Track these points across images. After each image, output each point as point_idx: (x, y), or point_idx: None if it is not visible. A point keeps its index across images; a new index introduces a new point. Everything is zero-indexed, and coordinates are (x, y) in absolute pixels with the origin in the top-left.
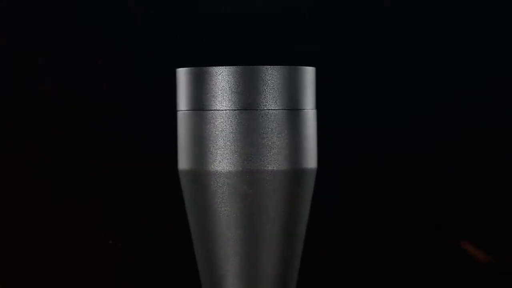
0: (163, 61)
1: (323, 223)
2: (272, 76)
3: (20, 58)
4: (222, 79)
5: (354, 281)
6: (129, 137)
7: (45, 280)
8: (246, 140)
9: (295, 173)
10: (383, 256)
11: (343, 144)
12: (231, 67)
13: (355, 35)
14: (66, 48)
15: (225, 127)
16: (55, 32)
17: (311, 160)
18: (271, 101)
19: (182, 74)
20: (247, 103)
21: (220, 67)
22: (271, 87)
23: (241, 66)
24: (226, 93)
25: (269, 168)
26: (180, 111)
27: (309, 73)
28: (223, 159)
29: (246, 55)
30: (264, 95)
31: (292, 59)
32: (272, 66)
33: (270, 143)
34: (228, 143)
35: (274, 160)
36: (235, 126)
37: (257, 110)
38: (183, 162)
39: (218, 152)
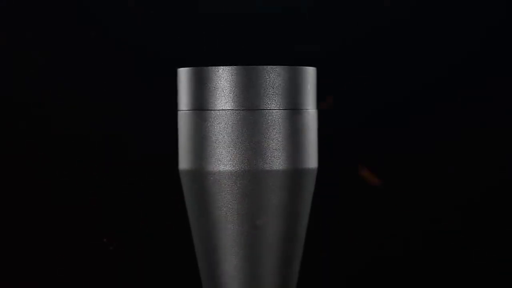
0: (163, 61)
1: (323, 223)
2: (273, 76)
3: (20, 58)
4: (223, 79)
5: (354, 281)
6: (129, 137)
7: (45, 280)
8: (246, 140)
9: (296, 173)
10: (383, 256)
11: (343, 144)
12: (232, 67)
13: (355, 35)
14: (66, 48)
15: (226, 127)
16: (55, 32)
17: (311, 160)
18: (272, 101)
19: (183, 74)
20: (248, 103)
21: (221, 67)
22: (272, 87)
23: (242, 66)
24: (227, 93)
25: (270, 168)
26: (181, 111)
27: (309, 73)
28: (223, 159)
29: (246, 55)
30: (265, 95)
31: (292, 59)
32: (273, 66)
33: (271, 143)
34: (228, 143)
35: (275, 160)
36: (236, 126)
37: (258, 110)
38: (184, 162)
39: (219, 152)
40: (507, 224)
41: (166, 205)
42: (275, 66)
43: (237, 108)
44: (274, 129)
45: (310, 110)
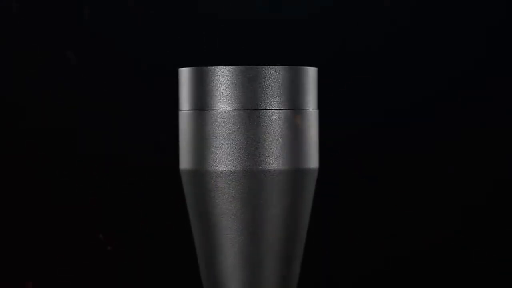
0: (163, 61)
1: (323, 223)
2: (274, 76)
3: (20, 58)
4: (225, 79)
5: (354, 281)
6: (129, 137)
7: (45, 280)
8: (247, 140)
9: (297, 173)
10: (383, 256)
11: (343, 144)
12: (233, 66)
13: (355, 35)
14: (66, 48)
15: (227, 127)
16: (55, 32)
17: (312, 160)
18: (273, 101)
19: (185, 74)
20: (249, 103)
21: (223, 66)
22: (273, 87)
23: (243, 66)
24: (228, 93)
25: (271, 168)
26: (182, 111)
27: (311, 73)
28: (224, 159)
29: (246, 55)
30: (266, 95)
31: (292, 59)
32: (274, 66)
33: (271, 143)
34: (230, 143)
35: (276, 160)
36: (237, 126)
37: (259, 110)
38: (185, 161)
39: (220, 152)
40: (507, 224)
41: (167, 205)
42: (275, 66)
43: (239, 108)
44: (275, 129)
45: (310, 110)
